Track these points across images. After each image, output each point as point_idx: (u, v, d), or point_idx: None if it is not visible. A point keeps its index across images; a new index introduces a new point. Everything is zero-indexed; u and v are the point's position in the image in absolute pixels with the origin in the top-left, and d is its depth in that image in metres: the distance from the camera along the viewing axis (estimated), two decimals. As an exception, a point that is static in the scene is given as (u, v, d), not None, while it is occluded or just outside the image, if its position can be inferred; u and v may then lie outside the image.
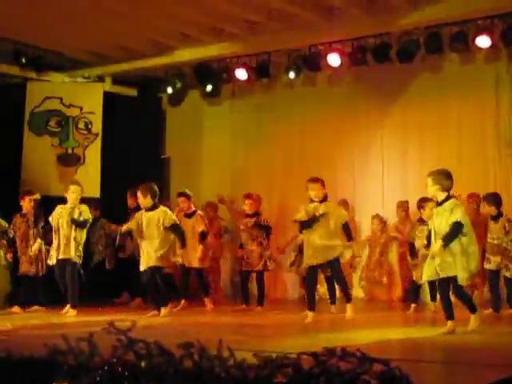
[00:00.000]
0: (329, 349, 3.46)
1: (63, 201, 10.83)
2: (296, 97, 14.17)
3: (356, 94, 13.65)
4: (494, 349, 6.68)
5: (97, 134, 13.73)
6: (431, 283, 9.42)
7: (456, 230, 7.54)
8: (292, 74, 13.15)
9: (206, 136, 15.31)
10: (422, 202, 9.93)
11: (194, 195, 11.79)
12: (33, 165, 13.27)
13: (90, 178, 13.26)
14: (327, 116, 13.91)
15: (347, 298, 9.79)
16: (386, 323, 9.22)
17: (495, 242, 9.94)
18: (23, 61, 12.74)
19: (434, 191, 7.83)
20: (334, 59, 12.55)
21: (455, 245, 7.56)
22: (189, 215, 11.42)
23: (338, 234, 9.61)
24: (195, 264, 11.26)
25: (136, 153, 13.82)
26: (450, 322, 7.69)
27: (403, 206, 12.38)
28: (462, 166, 12.39)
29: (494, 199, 10.08)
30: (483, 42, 11.49)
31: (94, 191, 12.91)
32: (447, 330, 7.64)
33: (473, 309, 7.85)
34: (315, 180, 9.77)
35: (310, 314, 9.40)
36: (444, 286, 7.77)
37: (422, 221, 10.09)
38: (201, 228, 11.27)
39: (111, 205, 12.60)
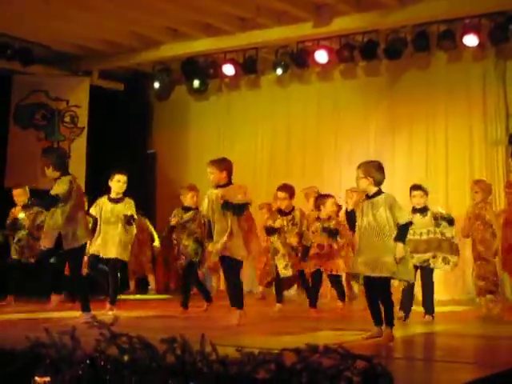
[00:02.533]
0: (311, 345, 3.46)
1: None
2: (283, 93, 14.18)
3: (343, 92, 13.67)
4: (474, 348, 6.73)
5: (83, 128, 13.68)
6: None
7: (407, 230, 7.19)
8: (279, 71, 13.17)
9: (193, 131, 15.29)
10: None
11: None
12: (18, 158, 13.22)
13: (75, 172, 13.04)
14: (314, 112, 13.93)
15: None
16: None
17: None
18: (9, 53, 12.65)
19: (366, 185, 7.13)
20: (321, 56, 12.57)
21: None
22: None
23: None
24: None
25: (122, 147, 13.79)
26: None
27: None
28: (450, 161, 12.47)
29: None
30: (471, 40, 11.55)
31: (80, 185, 12.87)
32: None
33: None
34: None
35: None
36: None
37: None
38: None
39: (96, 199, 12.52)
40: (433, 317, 8.95)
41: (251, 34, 12.43)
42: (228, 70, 13.40)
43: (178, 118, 15.30)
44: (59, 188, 8.28)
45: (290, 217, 9.83)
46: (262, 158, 14.39)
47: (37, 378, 3.77)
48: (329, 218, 9.95)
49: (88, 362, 3.72)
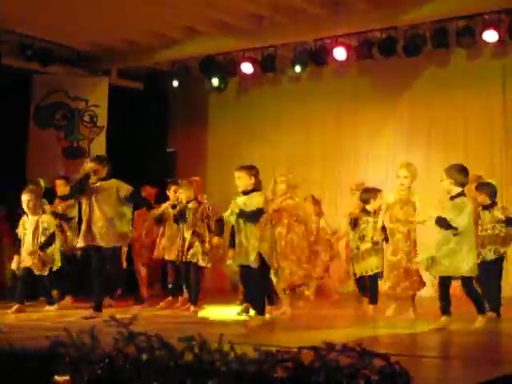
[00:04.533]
0: (329, 343, 3.45)
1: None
2: (301, 91, 14.17)
3: (362, 89, 13.65)
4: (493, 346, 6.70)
5: (102, 127, 13.73)
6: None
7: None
8: (298, 68, 13.14)
9: (212, 129, 15.33)
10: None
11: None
12: (38, 158, 13.28)
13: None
14: (333, 110, 13.93)
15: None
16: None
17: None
18: (29, 53, 12.72)
19: (448, 185, 7.77)
20: (340, 53, 12.52)
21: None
22: None
23: None
24: None
25: (141, 146, 13.83)
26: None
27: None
28: (469, 159, 12.35)
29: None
30: (490, 36, 11.45)
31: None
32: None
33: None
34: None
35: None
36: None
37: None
38: None
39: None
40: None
41: (270, 32, 12.43)
42: (246, 68, 13.39)
43: (197, 117, 15.34)
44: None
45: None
46: (281, 157, 14.37)
47: (56, 377, 3.79)
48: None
49: (107, 360, 3.73)
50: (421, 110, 13.18)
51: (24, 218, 10.26)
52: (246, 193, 8.36)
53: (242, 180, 8.37)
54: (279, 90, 14.51)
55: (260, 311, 8.28)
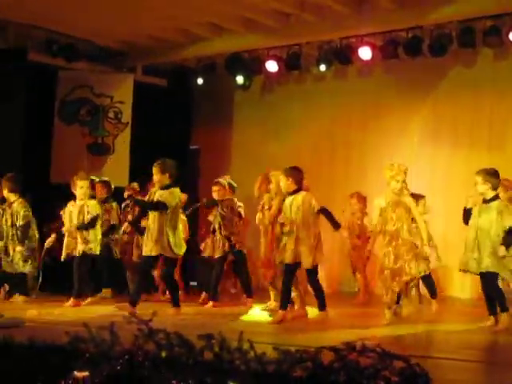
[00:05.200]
0: (349, 343, 3.43)
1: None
2: (326, 89, 14.14)
3: (387, 88, 13.58)
4: None
5: (126, 124, 13.76)
6: None
7: None
8: (323, 67, 13.12)
9: (236, 127, 15.34)
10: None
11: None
12: (63, 154, 13.34)
13: (119, 167, 13.33)
14: (357, 109, 13.87)
15: None
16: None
17: None
18: (54, 49, 12.79)
19: (484, 189, 8.14)
20: (365, 52, 12.48)
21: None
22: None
23: None
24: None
25: (165, 143, 13.82)
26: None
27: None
28: (493, 160, 12.25)
29: None
30: (517, 37, 11.37)
31: (123, 181, 12.91)
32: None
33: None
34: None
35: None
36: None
37: None
38: None
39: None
40: None
41: (295, 30, 12.41)
42: (271, 66, 13.38)
43: (222, 114, 15.34)
44: (170, 199, 9.22)
45: None
46: (305, 157, 14.34)
47: (76, 373, 3.79)
48: None
49: (126, 357, 3.73)
50: (446, 110, 13.09)
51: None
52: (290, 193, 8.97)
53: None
54: (304, 88, 14.48)
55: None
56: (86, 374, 3.77)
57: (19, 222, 10.85)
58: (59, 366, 3.95)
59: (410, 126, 13.41)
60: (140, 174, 11.52)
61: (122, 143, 13.69)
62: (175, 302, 9.41)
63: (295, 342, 5.51)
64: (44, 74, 13.13)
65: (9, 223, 10.94)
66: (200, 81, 14.33)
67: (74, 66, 13.42)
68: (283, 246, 8.84)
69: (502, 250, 7.91)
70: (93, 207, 10.62)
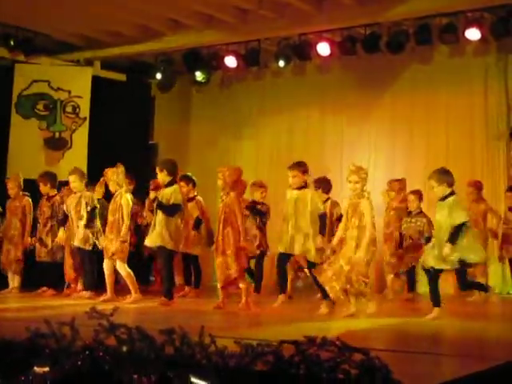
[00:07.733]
0: (309, 337, 3.47)
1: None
2: (285, 85, 14.17)
3: (345, 84, 13.67)
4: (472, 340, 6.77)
5: (84, 119, 13.67)
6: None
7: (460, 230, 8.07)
8: (281, 63, 13.13)
9: (194, 123, 15.32)
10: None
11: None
12: (20, 148, 13.21)
13: (76, 162, 13.16)
14: (316, 105, 13.93)
15: None
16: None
17: None
18: (12, 43, 12.66)
19: (442, 191, 8.24)
20: (323, 48, 12.53)
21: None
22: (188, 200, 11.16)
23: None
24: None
25: (124, 138, 13.78)
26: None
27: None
28: (450, 156, 12.46)
29: None
30: (473, 34, 11.48)
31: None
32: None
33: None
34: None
35: None
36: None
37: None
38: (195, 214, 11.15)
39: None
40: None
41: (253, 26, 12.41)
42: (230, 61, 13.37)
43: (180, 110, 15.32)
44: (177, 197, 9.72)
45: None
46: (264, 150, 14.38)
47: (36, 368, 3.78)
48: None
49: (87, 352, 3.73)
50: (403, 106, 13.22)
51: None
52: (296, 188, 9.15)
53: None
54: (262, 84, 14.52)
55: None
56: (46, 369, 3.77)
57: None
58: (19, 362, 3.93)
59: (368, 122, 13.50)
60: (98, 169, 11.42)
61: (80, 138, 13.59)
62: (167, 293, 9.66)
63: (257, 335, 5.52)
64: (1, 68, 13.00)
65: None
66: (158, 76, 14.27)
67: (32, 60, 13.28)
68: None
69: (446, 249, 7.91)
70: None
